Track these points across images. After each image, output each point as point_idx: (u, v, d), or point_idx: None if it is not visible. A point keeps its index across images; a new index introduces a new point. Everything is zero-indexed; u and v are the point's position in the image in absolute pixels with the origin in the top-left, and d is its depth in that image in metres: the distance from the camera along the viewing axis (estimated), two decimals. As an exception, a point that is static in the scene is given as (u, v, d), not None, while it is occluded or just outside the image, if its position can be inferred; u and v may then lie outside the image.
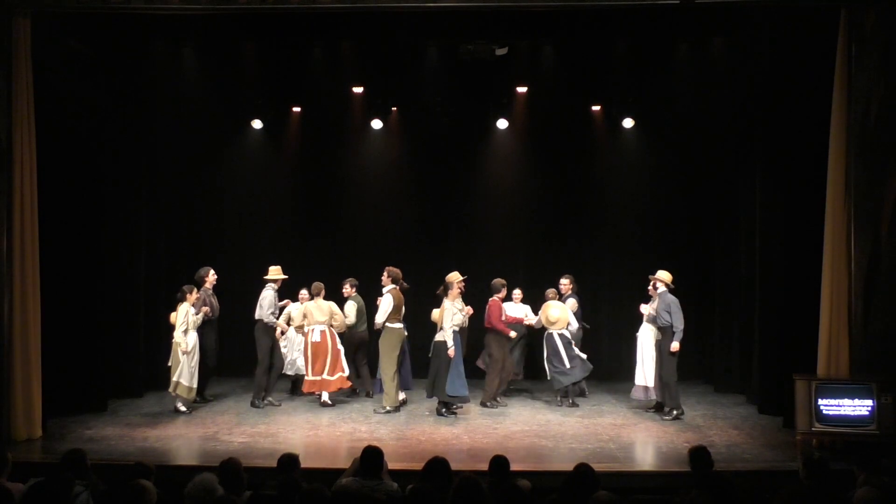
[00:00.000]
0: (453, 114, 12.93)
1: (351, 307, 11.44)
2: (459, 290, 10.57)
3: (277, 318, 11.22)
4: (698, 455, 6.19)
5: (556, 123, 13.07)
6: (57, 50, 9.99)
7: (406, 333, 11.05)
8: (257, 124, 12.96)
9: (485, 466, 5.93)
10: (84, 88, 10.55)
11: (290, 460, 6.04)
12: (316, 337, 10.94)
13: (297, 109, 13.26)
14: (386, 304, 10.74)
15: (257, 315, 11.16)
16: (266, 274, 11.25)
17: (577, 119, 13.12)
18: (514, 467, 6.02)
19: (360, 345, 11.69)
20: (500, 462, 5.83)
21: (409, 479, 5.78)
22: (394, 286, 10.87)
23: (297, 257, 12.86)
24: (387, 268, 11.04)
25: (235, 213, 13.63)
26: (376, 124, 13.02)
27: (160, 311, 11.63)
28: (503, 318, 11.15)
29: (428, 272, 12.20)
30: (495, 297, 11.16)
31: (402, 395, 10.97)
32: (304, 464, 6.37)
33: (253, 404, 10.91)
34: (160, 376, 11.37)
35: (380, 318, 10.77)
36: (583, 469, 5.51)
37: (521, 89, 12.81)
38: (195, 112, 12.36)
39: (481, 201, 13.55)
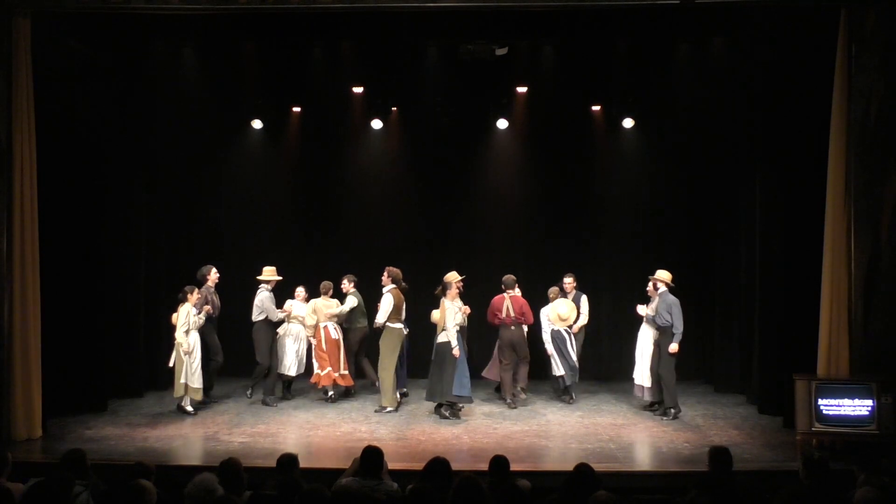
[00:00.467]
0: (453, 114, 12.90)
1: (351, 301, 11.43)
2: (458, 290, 10.56)
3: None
4: (717, 455, 6.16)
5: (556, 123, 13.05)
6: (57, 50, 9.99)
7: (406, 331, 11.06)
8: (257, 124, 12.96)
9: (485, 466, 5.94)
10: (84, 88, 10.54)
11: (289, 460, 6.04)
12: (333, 333, 11.14)
13: (297, 109, 13.23)
14: (386, 304, 10.76)
15: (255, 317, 11.17)
16: (259, 274, 11.26)
17: (577, 119, 13.09)
18: (514, 467, 6.04)
19: (362, 340, 11.70)
20: (500, 462, 5.84)
21: (409, 479, 5.80)
22: (394, 286, 10.89)
23: (296, 257, 12.89)
24: (387, 268, 11.07)
25: (235, 213, 13.60)
26: (376, 124, 13.01)
27: (160, 311, 11.62)
28: (506, 313, 11.09)
29: (428, 272, 12.18)
30: (514, 293, 11.14)
31: (397, 394, 10.95)
32: (304, 464, 6.39)
33: (264, 402, 10.99)
34: (160, 376, 11.39)
35: (380, 318, 10.78)
36: (583, 469, 5.52)
37: (521, 89, 12.79)
38: (195, 112, 12.34)
39: (481, 201, 13.53)
